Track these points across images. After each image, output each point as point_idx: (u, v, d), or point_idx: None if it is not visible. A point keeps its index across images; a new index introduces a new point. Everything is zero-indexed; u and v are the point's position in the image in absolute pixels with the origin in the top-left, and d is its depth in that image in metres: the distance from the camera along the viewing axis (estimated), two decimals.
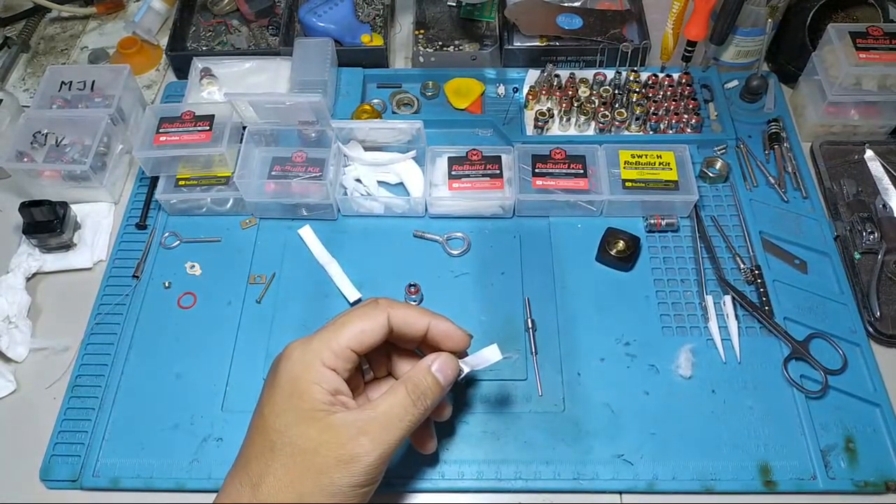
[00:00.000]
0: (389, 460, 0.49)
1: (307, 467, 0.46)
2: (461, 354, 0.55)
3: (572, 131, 0.85)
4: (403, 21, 1.02)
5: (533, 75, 0.89)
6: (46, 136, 0.80)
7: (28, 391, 0.70)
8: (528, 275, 0.74)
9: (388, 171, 0.80)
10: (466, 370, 0.54)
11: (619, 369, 0.67)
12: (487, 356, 0.54)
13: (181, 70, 0.95)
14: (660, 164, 0.76)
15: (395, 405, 0.49)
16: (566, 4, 0.95)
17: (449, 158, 0.78)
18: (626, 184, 0.75)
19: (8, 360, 0.71)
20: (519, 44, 0.91)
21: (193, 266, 0.76)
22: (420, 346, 0.56)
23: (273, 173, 0.77)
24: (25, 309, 0.74)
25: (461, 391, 0.66)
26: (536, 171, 0.76)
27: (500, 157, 0.78)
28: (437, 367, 0.51)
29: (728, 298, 0.71)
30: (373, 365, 0.57)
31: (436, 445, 0.58)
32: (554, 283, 0.73)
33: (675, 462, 0.62)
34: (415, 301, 0.72)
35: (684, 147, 0.77)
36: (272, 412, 0.48)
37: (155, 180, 0.80)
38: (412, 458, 0.63)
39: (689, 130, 0.83)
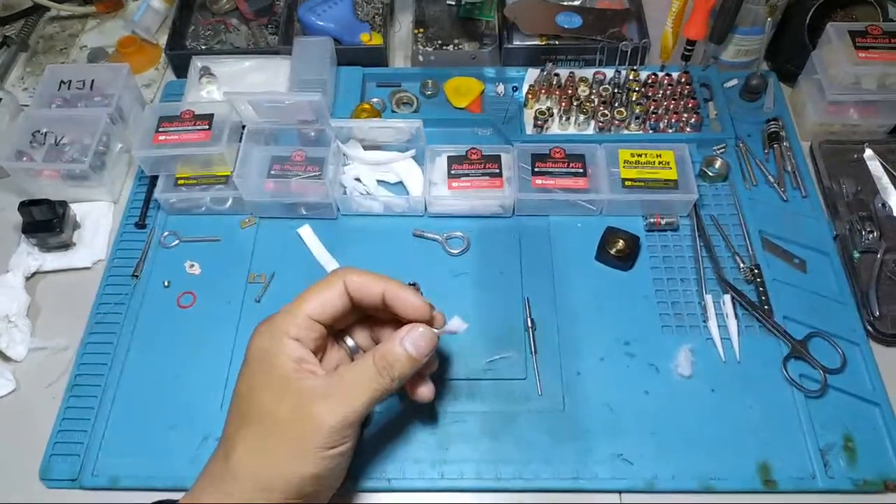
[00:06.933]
0: (356, 427, 0.50)
1: (273, 432, 0.48)
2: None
3: (572, 130, 0.85)
4: (403, 20, 1.02)
5: (532, 74, 0.89)
6: (46, 135, 0.80)
7: (27, 390, 0.70)
8: (527, 274, 0.74)
9: (388, 170, 0.80)
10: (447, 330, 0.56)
11: (619, 369, 0.67)
12: (454, 326, 0.56)
13: (180, 69, 0.94)
14: (659, 163, 0.76)
15: (360, 373, 0.51)
16: (566, 3, 0.95)
17: (448, 157, 0.78)
18: (626, 183, 0.75)
19: (7, 359, 0.71)
20: (518, 43, 0.91)
21: (193, 265, 0.76)
22: (391, 317, 0.57)
23: (272, 172, 0.77)
24: (25, 308, 0.74)
25: (460, 391, 0.66)
26: (536, 170, 0.76)
27: (499, 156, 0.78)
28: (409, 340, 0.52)
29: (727, 297, 0.71)
30: (359, 339, 0.59)
31: (432, 393, 0.58)
32: (553, 282, 0.73)
33: (675, 461, 0.62)
34: None
35: (684, 146, 0.77)
36: (242, 384, 0.51)
37: (154, 179, 0.80)
38: (412, 457, 0.63)
39: (688, 129, 0.83)
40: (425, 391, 0.57)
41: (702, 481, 0.61)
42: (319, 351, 0.54)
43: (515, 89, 0.88)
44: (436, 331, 0.54)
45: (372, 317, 0.59)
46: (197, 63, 0.89)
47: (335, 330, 0.58)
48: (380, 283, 0.54)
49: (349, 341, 0.58)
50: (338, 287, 0.53)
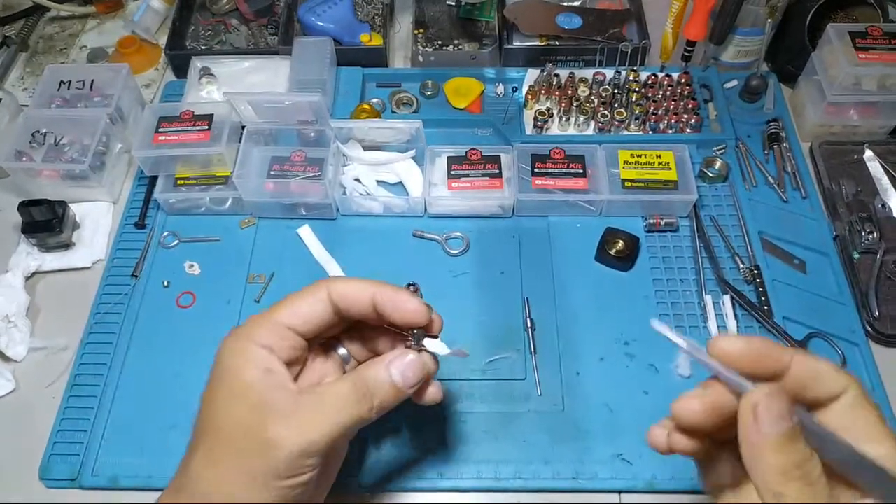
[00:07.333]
0: (322, 456, 0.43)
1: (229, 449, 0.43)
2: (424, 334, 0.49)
3: (572, 131, 0.85)
4: (403, 20, 1.02)
5: (532, 75, 0.89)
6: (45, 135, 0.80)
7: (27, 390, 0.70)
8: (527, 274, 0.74)
9: (388, 170, 0.80)
10: (445, 352, 0.49)
11: (619, 369, 0.67)
12: (457, 351, 0.49)
13: (180, 69, 0.95)
14: (659, 163, 0.76)
15: (335, 395, 0.44)
16: (565, 4, 0.95)
17: (448, 158, 0.78)
18: (626, 183, 0.75)
19: (7, 359, 0.71)
20: (518, 43, 0.91)
21: (192, 265, 0.76)
22: (387, 324, 0.50)
23: (272, 173, 0.77)
24: (24, 308, 0.73)
25: (459, 391, 0.66)
26: (536, 170, 0.76)
27: (499, 156, 0.78)
28: (396, 367, 0.46)
29: (727, 298, 0.71)
30: (352, 348, 0.53)
31: (440, 394, 0.51)
32: (553, 282, 0.73)
33: (674, 462, 0.62)
34: None
35: (684, 147, 0.77)
36: (206, 392, 0.46)
37: (154, 179, 0.80)
38: (410, 457, 0.63)
39: (688, 130, 0.83)
40: (433, 392, 0.50)
41: None
42: (297, 364, 0.48)
43: (515, 90, 0.88)
44: (435, 350, 0.48)
45: (366, 324, 0.52)
46: (197, 63, 0.89)
47: (323, 339, 0.51)
48: (368, 290, 0.47)
49: (340, 350, 0.52)
50: (319, 296, 0.47)
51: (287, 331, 0.46)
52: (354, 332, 0.52)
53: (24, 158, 0.79)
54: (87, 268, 0.78)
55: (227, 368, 0.45)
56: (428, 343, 0.48)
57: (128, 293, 0.74)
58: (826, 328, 0.69)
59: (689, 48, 0.85)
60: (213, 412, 0.44)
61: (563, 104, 0.84)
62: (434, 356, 0.49)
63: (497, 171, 0.77)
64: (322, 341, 0.51)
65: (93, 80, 0.85)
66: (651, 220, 0.76)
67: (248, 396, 0.43)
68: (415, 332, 0.48)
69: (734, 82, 0.89)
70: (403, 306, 0.47)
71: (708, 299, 0.71)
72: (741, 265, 0.73)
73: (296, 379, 0.47)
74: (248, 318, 0.47)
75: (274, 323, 0.46)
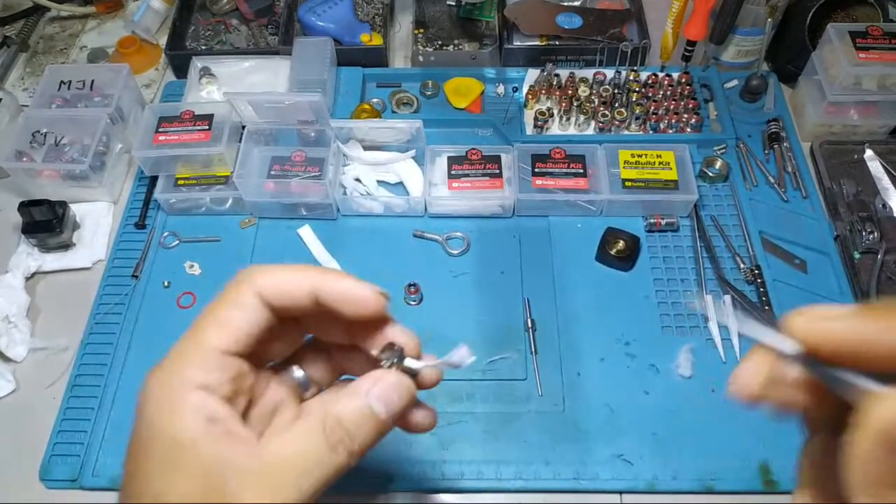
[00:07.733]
0: None
1: None
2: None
3: (572, 131, 0.85)
4: (403, 20, 1.02)
5: (532, 75, 0.89)
6: (45, 135, 0.80)
7: (27, 391, 0.70)
8: (527, 274, 0.74)
9: (388, 170, 0.80)
10: (419, 366, 0.37)
11: (619, 369, 0.67)
12: (457, 358, 0.37)
13: (180, 69, 0.94)
14: (659, 163, 0.76)
15: (302, 448, 0.34)
16: (566, 4, 0.95)
17: (448, 158, 0.78)
18: (626, 183, 0.75)
19: (7, 359, 0.71)
20: (518, 43, 0.91)
21: (193, 265, 0.76)
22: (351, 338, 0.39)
23: (272, 173, 0.77)
24: (25, 308, 0.73)
25: (460, 391, 0.66)
26: (536, 170, 0.76)
27: (499, 156, 0.78)
28: (378, 394, 0.35)
29: (728, 298, 0.71)
30: (313, 370, 0.40)
31: (433, 419, 0.39)
32: (554, 282, 0.73)
33: (676, 462, 0.62)
34: (414, 301, 0.72)
35: (684, 146, 0.77)
36: (132, 462, 0.35)
37: (154, 180, 0.80)
38: (410, 458, 0.63)
39: (688, 130, 0.83)
40: (424, 417, 0.39)
41: (702, 482, 0.61)
42: (243, 395, 0.36)
43: (515, 90, 0.88)
44: (419, 366, 0.37)
45: (332, 342, 0.40)
46: (197, 63, 0.89)
47: (276, 361, 0.40)
48: (305, 279, 0.35)
49: (296, 372, 0.40)
50: (247, 297, 0.35)
51: (222, 357, 0.35)
52: (316, 348, 0.41)
53: (25, 159, 0.79)
54: (88, 268, 0.78)
55: (156, 428, 0.34)
56: (410, 363, 0.37)
57: (128, 293, 0.74)
58: None
59: (689, 48, 0.85)
60: (145, 488, 0.33)
61: (564, 104, 0.84)
62: (415, 375, 0.37)
63: (497, 171, 0.77)
64: (275, 363, 0.40)
65: (93, 81, 0.85)
66: (651, 220, 0.76)
67: (193, 463, 0.33)
68: (395, 348, 0.37)
69: (734, 82, 0.89)
70: (348, 294, 0.35)
71: (709, 299, 0.71)
72: (742, 265, 0.73)
73: (244, 415, 0.36)
74: (169, 349, 0.37)
75: (205, 350, 0.35)
